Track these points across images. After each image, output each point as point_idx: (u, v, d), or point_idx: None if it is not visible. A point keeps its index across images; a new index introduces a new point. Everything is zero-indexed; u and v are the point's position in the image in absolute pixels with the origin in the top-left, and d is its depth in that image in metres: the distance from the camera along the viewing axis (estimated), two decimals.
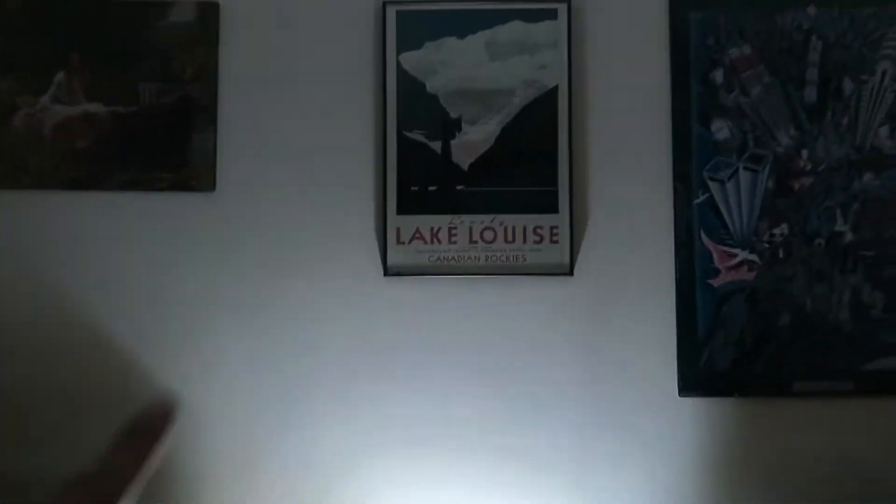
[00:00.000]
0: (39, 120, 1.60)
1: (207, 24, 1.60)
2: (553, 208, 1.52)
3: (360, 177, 1.57)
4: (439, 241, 1.53)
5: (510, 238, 1.52)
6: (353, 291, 1.55)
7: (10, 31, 1.62)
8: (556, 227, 1.52)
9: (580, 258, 1.53)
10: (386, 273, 1.53)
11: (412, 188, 1.54)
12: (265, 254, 1.56)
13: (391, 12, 1.56)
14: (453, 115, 1.55)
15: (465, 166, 1.54)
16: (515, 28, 1.56)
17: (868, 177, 1.49)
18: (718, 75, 1.52)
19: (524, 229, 1.52)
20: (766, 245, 1.50)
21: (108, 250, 1.58)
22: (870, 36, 1.51)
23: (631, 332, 1.51)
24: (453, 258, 1.53)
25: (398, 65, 1.56)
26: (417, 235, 1.53)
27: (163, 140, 1.59)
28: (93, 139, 1.59)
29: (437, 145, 1.55)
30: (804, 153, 1.50)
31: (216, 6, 1.60)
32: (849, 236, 1.49)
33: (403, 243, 1.53)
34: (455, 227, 1.53)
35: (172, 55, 1.60)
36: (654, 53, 1.55)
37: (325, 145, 1.58)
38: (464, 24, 1.56)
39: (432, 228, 1.53)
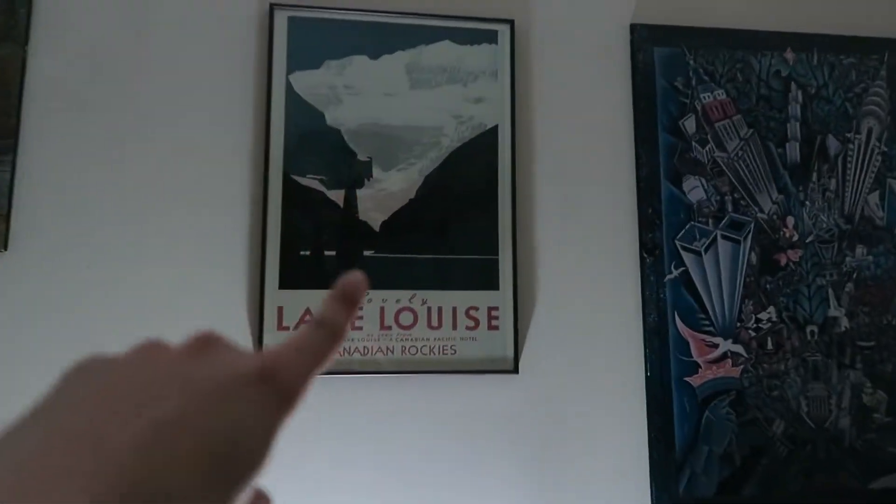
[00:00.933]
0: None
1: (13, 14, 1.14)
2: (492, 283, 1.16)
3: (229, 235, 1.14)
4: None
5: (435, 322, 1.14)
6: None
7: None
8: (496, 309, 1.15)
9: (526, 350, 1.17)
10: None
11: (301, 252, 1.13)
12: (79, 341, 1.07)
13: (281, 18, 1.18)
14: (361, 156, 1.17)
15: (377, 225, 1.16)
16: (445, 50, 1.22)
17: (860, 251, 1.26)
18: (690, 124, 1.25)
19: (454, 311, 1.15)
20: (753, 334, 1.21)
21: None
22: (851, 89, 1.30)
23: (592, 447, 1.16)
24: (358, 350, 1.12)
25: (288, 87, 1.17)
26: (307, 318, 1.11)
27: None
28: None
29: (337, 196, 1.16)
30: (789, 221, 1.25)
31: None
32: (844, 323, 1.23)
33: (287, 328, 1.11)
34: (361, 307, 1.12)
35: None
36: (615, 91, 1.26)
37: (179, 190, 1.15)
38: (378, 41, 1.20)
39: None
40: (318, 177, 1.15)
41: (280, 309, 1.11)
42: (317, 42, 1.19)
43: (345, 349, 1.11)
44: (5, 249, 1.09)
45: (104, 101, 1.15)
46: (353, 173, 1.16)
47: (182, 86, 1.17)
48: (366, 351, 1.12)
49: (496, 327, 1.15)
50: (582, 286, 1.20)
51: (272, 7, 1.18)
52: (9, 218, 1.09)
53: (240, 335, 1.11)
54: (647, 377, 1.18)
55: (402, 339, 1.13)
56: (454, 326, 1.14)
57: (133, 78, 1.17)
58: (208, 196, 1.15)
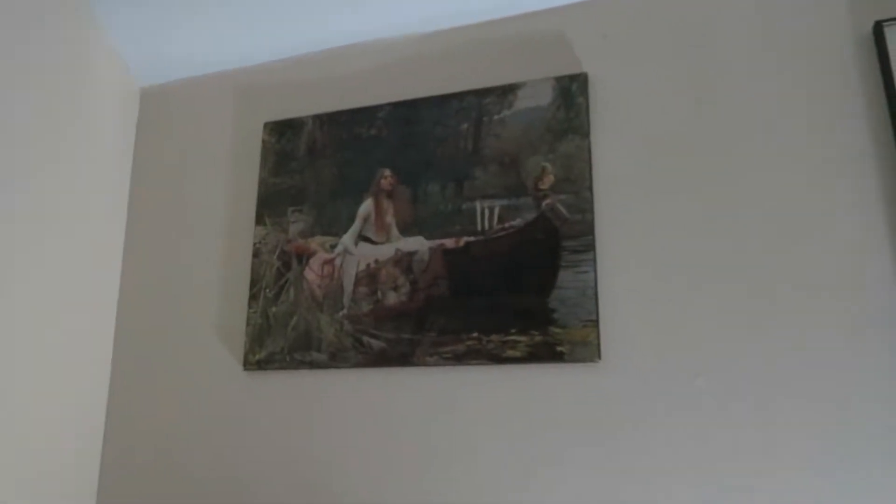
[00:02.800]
0: (337, 269, 1.20)
1: (571, 106, 1.12)
2: None
3: (870, 326, 0.90)
4: None
5: None
6: None
7: (299, 161, 1.28)
8: None
9: None
10: None
11: None
12: (669, 455, 0.92)
13: (892, 35, 0.95)
14: None
15: None
16: None
17: None
18: None
19: None
20: None
21: (443, 433, 1.06)
22: None
23: None
24: None
25: None
26: None
27: (513, 284, 1.08)
28: (410, 292, 1.14)
29: None
30: None
31: (583, 78, 1.13)
32: None
33: None
34: None
35: (520, 157, 1.13)
36: None
37: (793, 271, 0.95)
38: None
39: None
40: None
41: None
42: None
43: None
44: (599, 359, 1.00)
45: (679, 180, 1.04)
46: None
47: (774, 145, 1.01)
48: None
49: None
50: None
51: (879, 25, 0.96)
52: (597, 324, 1.01)
53: None
54: None
55: None
56: None
57: (708, 147, 1.04)
58: (836, 279, 0.93)
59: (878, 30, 0.96)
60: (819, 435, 0.89)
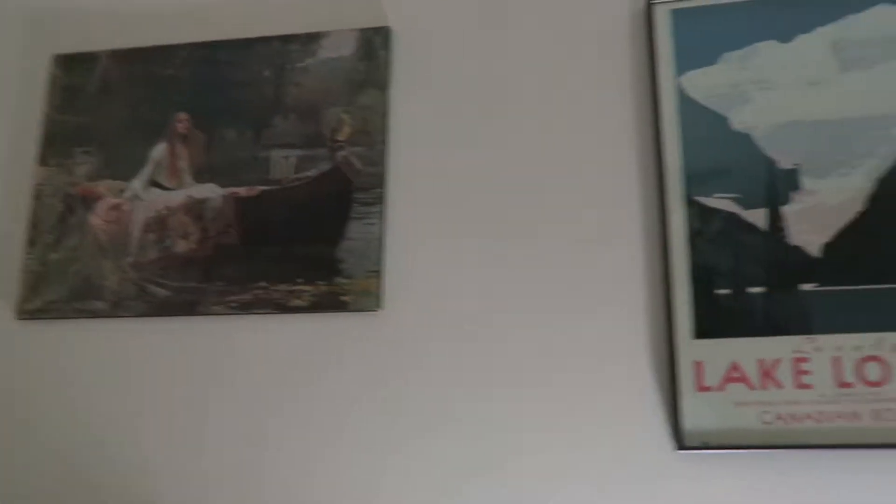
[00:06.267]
0: (125, 215, 1.32)
1: (373, 59, 1.30)
2: None
3: (622, 275, 1.14)
4: (778, 386, 1.04)
5: None
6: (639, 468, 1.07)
7: (90, 99, 1.40)
8: None
9: None
10: (680, 445, 1.05)
11: (717, 292, 1.08)
12: (453, 399, 1.13)
13: (662, 14, 1.20)
14: (784, 164, 1.11)
15: (816, 249, 1.08)
16: (881, 17, 1.14)
17: None
18: None
19: None
20: None
21: (236, 384, 1.22)
22: None
23: None
24: (808, 416, 1.03)
25: (679, 92, 1.16)
26: (735, 375, 1.06)
27: (304, 235, 1.25)
28: (200, 240, 1.29)
29: (757, 216, 1.10)
30: None
31: (385, 32, 1.31)
32: None
33: (709, 388, 1.06)
34: (806, 359, 1.04)
35: (319, 107, 1.30)
36: None
37: (558, 228, 1.18)
38: (788, 20, 1.16)
39: (762, 363, 1.05)
40: (730, 195, 1.11)
41: (698, 364, 1.06)
42: (709, 34, 1.18)
43: (788, 416, 1.03)
44: (379, 307, 1.20)
45: (468, 138, 1.25)
46: (775, 186, 1.10)
47: (552, 108, 1.22)
48: (818, 418, 1.02)
49: None
50: None
51: (650, 4, 1.20)
52: (379, 275, 1.21)
53: (645, 397, 1.09)
54: None
55: (870, 401, 1.01)
56: None
57: (497, 107, 1.24)
58: (593, 233, 1.17)
59: (649, 8, 1.20)
60: (580, 362, 1.13)
